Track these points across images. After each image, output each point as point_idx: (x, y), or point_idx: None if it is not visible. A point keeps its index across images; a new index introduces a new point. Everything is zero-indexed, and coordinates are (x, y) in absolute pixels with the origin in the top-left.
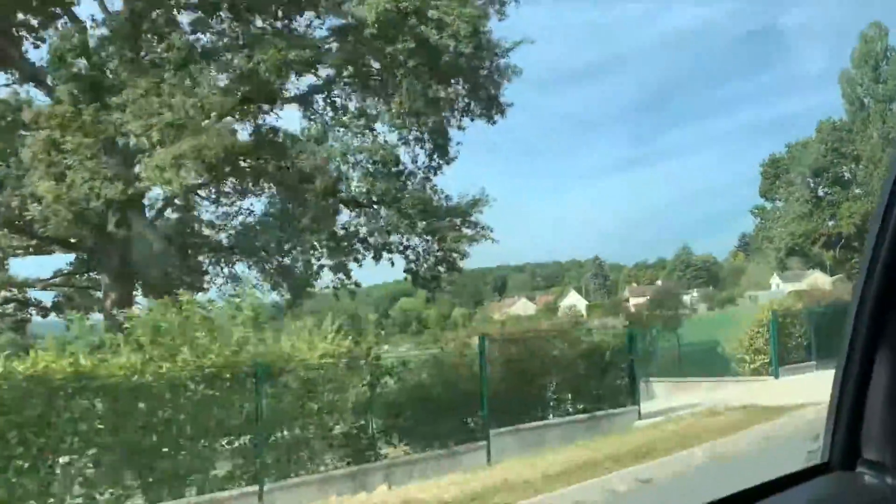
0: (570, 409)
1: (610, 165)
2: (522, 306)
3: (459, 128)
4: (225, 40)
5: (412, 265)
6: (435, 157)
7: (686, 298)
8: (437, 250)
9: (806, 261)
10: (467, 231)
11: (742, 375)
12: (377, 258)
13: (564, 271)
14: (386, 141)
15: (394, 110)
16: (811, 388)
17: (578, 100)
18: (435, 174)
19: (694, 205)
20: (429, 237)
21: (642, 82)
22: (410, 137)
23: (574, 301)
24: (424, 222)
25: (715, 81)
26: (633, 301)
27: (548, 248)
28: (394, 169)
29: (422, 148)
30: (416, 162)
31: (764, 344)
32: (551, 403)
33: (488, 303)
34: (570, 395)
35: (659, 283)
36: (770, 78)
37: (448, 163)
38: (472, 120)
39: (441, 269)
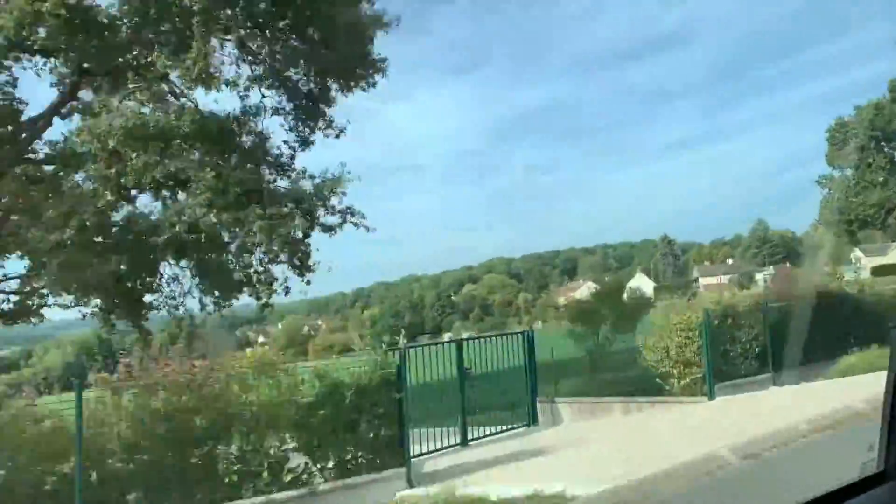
0: (282, 484)
1: (683, 139)
2: (587, 290)
3: (319, 91)
4: None
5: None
6: (300, 128)
7: (759, 276)
8: (268, 244)
9: (891, 233)
10: (332, 219)
11: (673, 394)
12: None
13: (637, 252)
14: (185, 107)
15: (193, 69)
16: (752, 418)
17: (647, 72)
18: (303, 149)
19: (772, 177)
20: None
21: (714, 52)
22: (267, 105)
23: (640, 283)
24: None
25: (790, 49)
26: (703, 281)
27: (621, 227)
28: (211, 145)
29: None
30: (250, 133)
31: (696, 353)
32: (229, 480)
33: (554, 287)
34: (266, 465)
35: (730, 261)
36: (846, 44)
37: (338, 136)
38: (342, 84)
39: (280, 268)
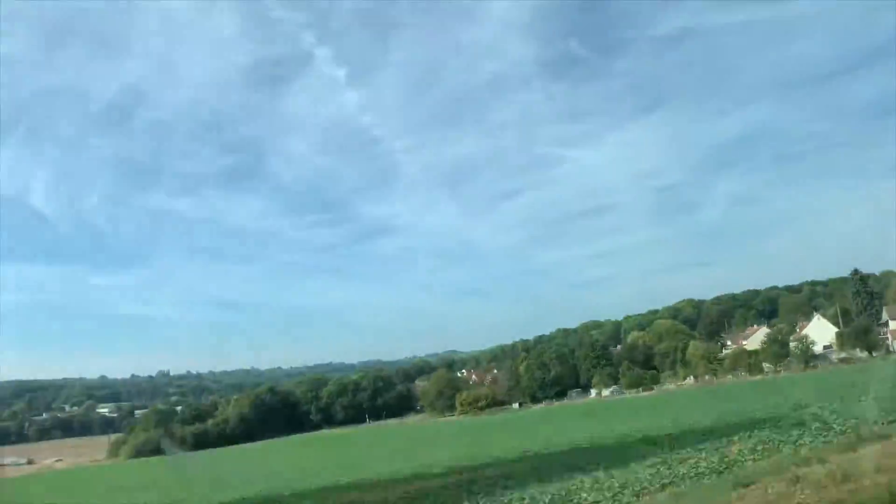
0: None
1: None
2: (759, 338)
3: None
4: None
5: None
6: None
7: None
8: None
9: None
10: None
11: None
12: None
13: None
14: None
15: None
16: None
17: (868, 85)
18: None
19: None
20: None
21: None
22: None
23: (815, 330)
24: None
25: None
26: (894, 325)
27: (833, 260)
28: None
29: None
30: None
31: None
32: None
33: (730, 333)
34: None
35: None
36: None
37: None
38: None
39: None
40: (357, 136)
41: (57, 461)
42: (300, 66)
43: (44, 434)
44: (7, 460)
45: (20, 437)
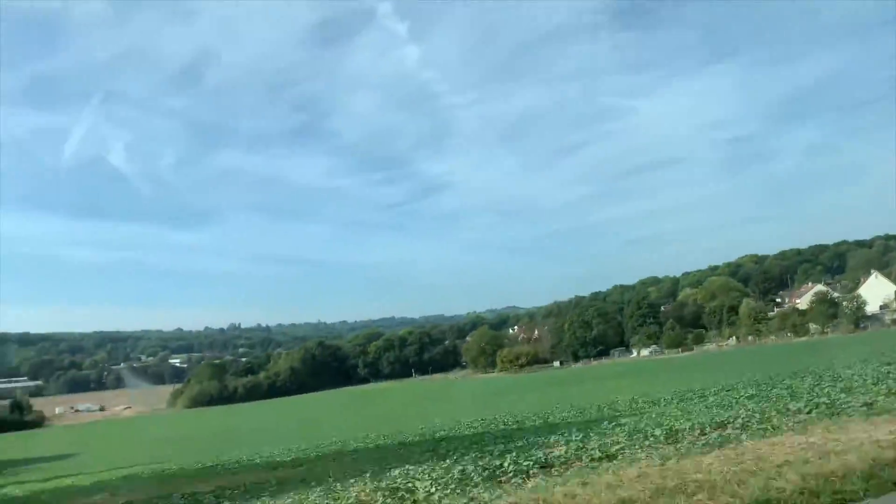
0: None
1: None
2: (812, 297)
3: None
4: None
5: None
6: None
7: None
8: None
9: None
10: None
11: None
12: None
13: None
14: None
15: None
16: None
17: None
18: None
19: None
20: None
21: None
22: None
23: (868, 288)
24: None
25: None
26: None
27: None
28: None
29: None
30: None
31: None
32: None
33: (787, 291)
34: None
35: None
36: None
37: None
38: None
39: None
40: (418, 92)
41: (126, 409)
42: (362, 22)
43: (119, 382)
44: (82, 406)
45: (99, 385)
